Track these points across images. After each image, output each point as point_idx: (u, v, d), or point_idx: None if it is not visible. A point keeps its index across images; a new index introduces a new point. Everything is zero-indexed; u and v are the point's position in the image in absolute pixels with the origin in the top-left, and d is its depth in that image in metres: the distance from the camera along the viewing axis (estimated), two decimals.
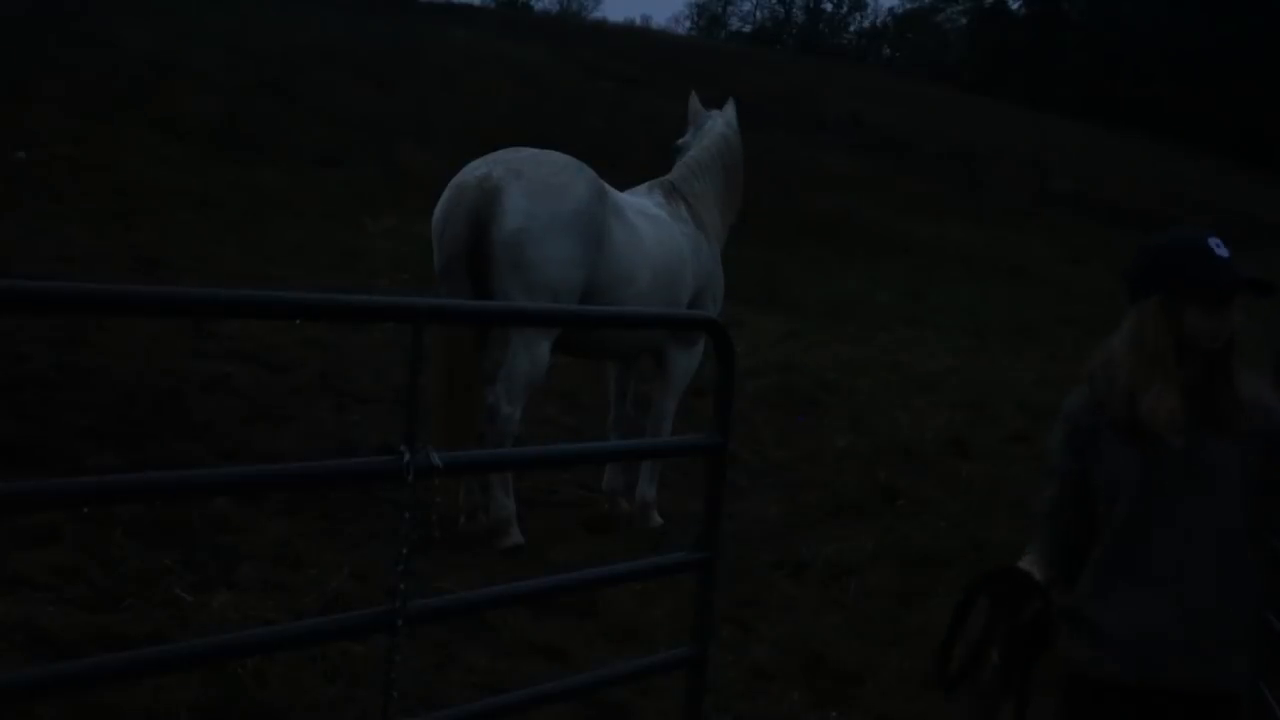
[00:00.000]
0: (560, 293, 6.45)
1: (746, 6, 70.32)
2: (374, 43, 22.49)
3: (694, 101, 8.10)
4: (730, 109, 8.00)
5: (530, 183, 6.50)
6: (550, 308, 6.00)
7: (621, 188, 7.36)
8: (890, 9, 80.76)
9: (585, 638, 5.49)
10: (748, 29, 67.45)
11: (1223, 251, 3.08)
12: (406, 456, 3.19)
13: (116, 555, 5.44)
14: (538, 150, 6.84)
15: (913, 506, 8.00)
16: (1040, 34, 55.04)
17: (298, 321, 8.38)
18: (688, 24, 69.12)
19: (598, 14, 66.14)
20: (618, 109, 23.31)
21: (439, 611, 3.41)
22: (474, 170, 6.64)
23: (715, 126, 7.90)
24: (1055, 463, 3.20)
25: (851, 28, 69.92)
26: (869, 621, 6.17)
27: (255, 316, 7.12)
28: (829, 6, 68.73)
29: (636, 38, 40.11)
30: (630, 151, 17.92)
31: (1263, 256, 22.94)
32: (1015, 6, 60.77)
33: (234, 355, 8.61)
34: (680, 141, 7.98)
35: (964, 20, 63.32)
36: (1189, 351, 3.07)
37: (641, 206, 7.25)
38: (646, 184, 7.70)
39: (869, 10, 76.35)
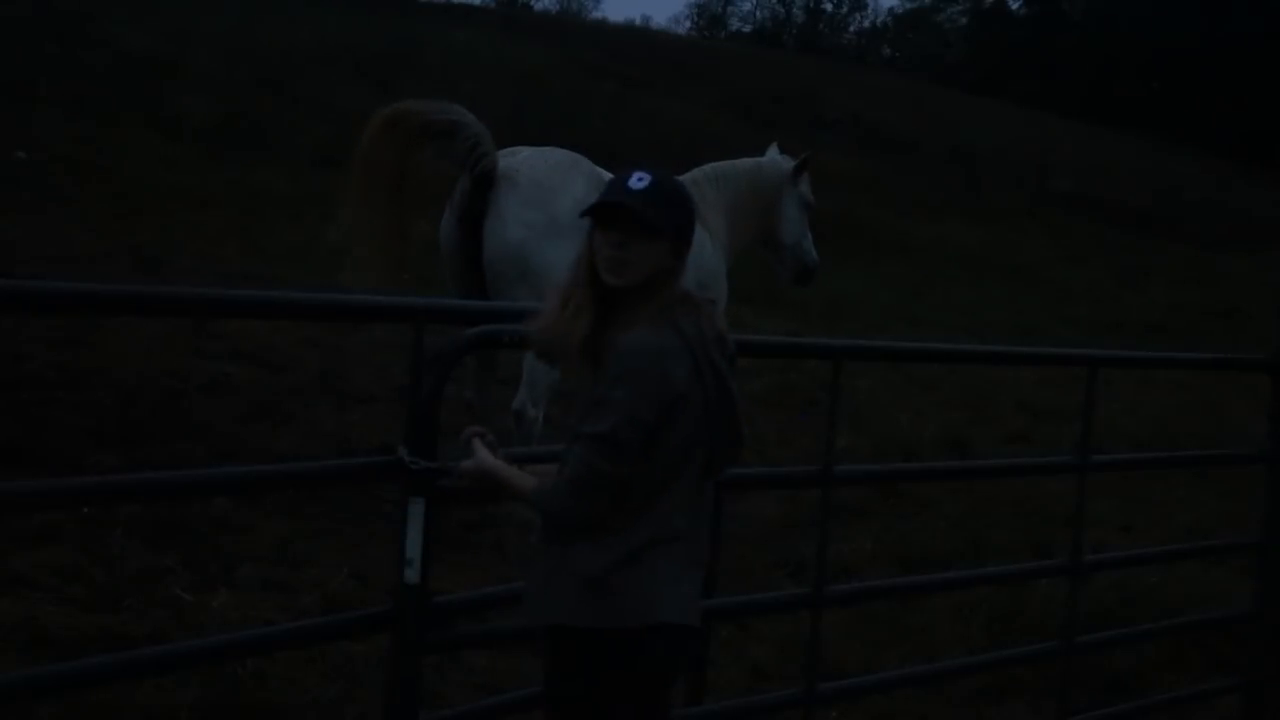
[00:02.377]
0: None
1: (746, 6, 70.59)
2: (374, 43, 22.47)
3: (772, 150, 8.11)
4: (787, 159, 7.94)
5: (525, 189, 6.46)
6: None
7: None
8: (890, 9, 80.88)
9: None
10: (748, 29, 67.50)
11: (638, 184, 3.01)
12: (405, 456, 3.20)
13: (116, 555, 5.44)
14: (534, 150, 6.77)
15: (913, 506, 8.01)
16: (1040, 34, 55.07)
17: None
18: (688, 24, 69.21)
19: (598, 14, 66.23)
20: (618, 109, 23.29)
21: (442, 613, 3.41)
22: (468, 183, 6.62)
23: (764, 156, 7.91)
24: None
25: (851, 28, 70.03)
26: (869, 621, 6.16)
27: (255, 316, 7.13)
28: (829, 6, 68.83)
29: (636, 38, 40.10)
30: (630, 151, 17.89)
31: (1263, 257, 22.98)
32: (1015, 6, 60.83)
33: (234, 355, 8.60)
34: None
35: (964, 20, 63.36)
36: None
37: None
38: None
39: (869, 10, 76.58)
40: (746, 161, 7.82)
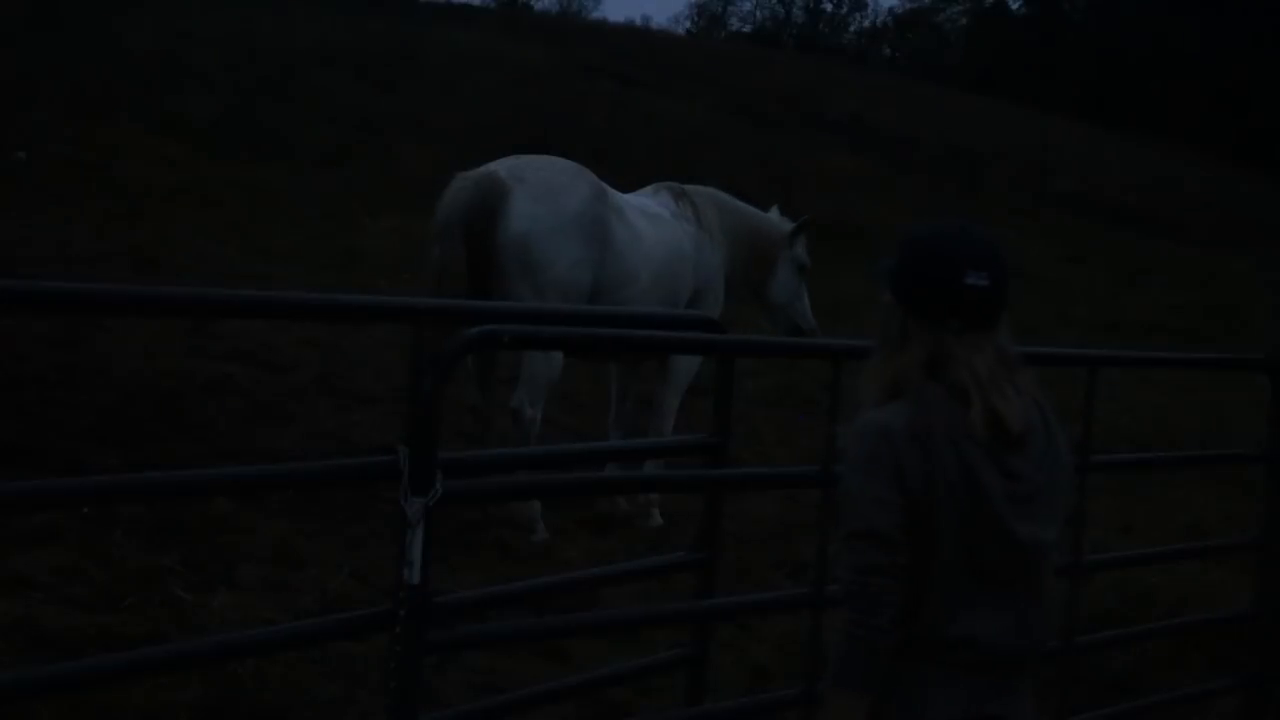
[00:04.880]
0: (569, 292, 6.54)
1: (746, 6, 70.30)
2: (374, 43, 22.47)
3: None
4: (786, 221, 8.18)
5: (533, 186, 6.62)
6: (545, 308, 6.01)
7: (621, 188, 7.41)
8: (890, 9, 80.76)
9: (585, 638, 5.48)
10: (748, 29, 67.41)
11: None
12: (404, 456, 3.19)
13: (116, 555, 5.44)
14: (537, 156, 7.04)
15: None
16: (1040, 34, 55.02)
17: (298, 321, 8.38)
18: (688, 24, 69.08)
19: (598, 14, 66.02)
20: (618, 109, 23.28)
21: (442, 613, 3.40)
22: (475, 174, 6.71)
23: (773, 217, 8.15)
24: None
25: (851, 28, 69.91)
26: None
27: (255, 316, 7.13)
28: (829, 6, 68.73)
29: (636, 38, 40.06)
30: (630, 151, 17.90)
31: (1263, 257, 22.98)
32: (1015, 6, 60.79)
33: (234, 355, 8.60)
34: None
35: (964, 20, 63.31)
36: None
37: (642, 205, 7.32)
38: (653, 185, 7.81)
39: (869, 10, 76.48)
40: (751, 208, 8.02)
